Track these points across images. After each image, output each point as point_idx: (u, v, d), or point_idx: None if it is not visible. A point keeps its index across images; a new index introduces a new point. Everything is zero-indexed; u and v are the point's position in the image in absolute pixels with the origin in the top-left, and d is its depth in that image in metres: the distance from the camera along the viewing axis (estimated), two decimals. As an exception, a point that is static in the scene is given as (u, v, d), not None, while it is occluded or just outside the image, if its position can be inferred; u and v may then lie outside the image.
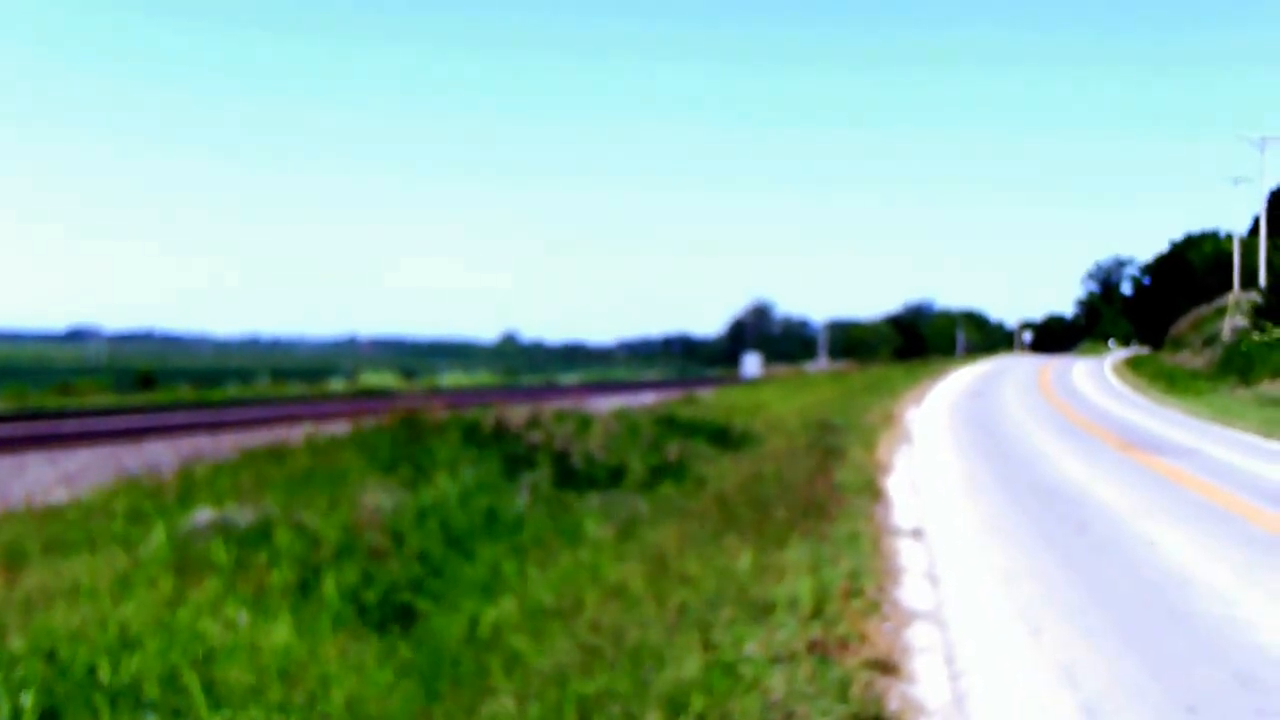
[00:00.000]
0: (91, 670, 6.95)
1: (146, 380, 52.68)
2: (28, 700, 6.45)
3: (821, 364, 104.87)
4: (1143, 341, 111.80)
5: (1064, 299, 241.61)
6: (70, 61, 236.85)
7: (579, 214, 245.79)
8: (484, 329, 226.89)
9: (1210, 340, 65.32)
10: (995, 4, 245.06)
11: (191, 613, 8.32)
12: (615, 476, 15.32)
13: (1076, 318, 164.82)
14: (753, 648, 6.81)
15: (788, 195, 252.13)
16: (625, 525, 11.85)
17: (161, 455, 20.14)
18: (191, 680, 6.87)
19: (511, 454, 15.99)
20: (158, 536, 10.81)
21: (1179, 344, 75.79)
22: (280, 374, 66.40)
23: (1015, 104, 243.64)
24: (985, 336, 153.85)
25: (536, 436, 17.23)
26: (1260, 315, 54.79)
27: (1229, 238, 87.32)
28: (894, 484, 15.38)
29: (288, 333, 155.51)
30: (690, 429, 20.98)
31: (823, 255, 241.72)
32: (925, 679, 6.77)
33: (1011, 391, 42.80)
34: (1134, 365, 70.00)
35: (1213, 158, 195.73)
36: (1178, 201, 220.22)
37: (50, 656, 7.10)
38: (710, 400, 36.25)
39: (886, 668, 6.83)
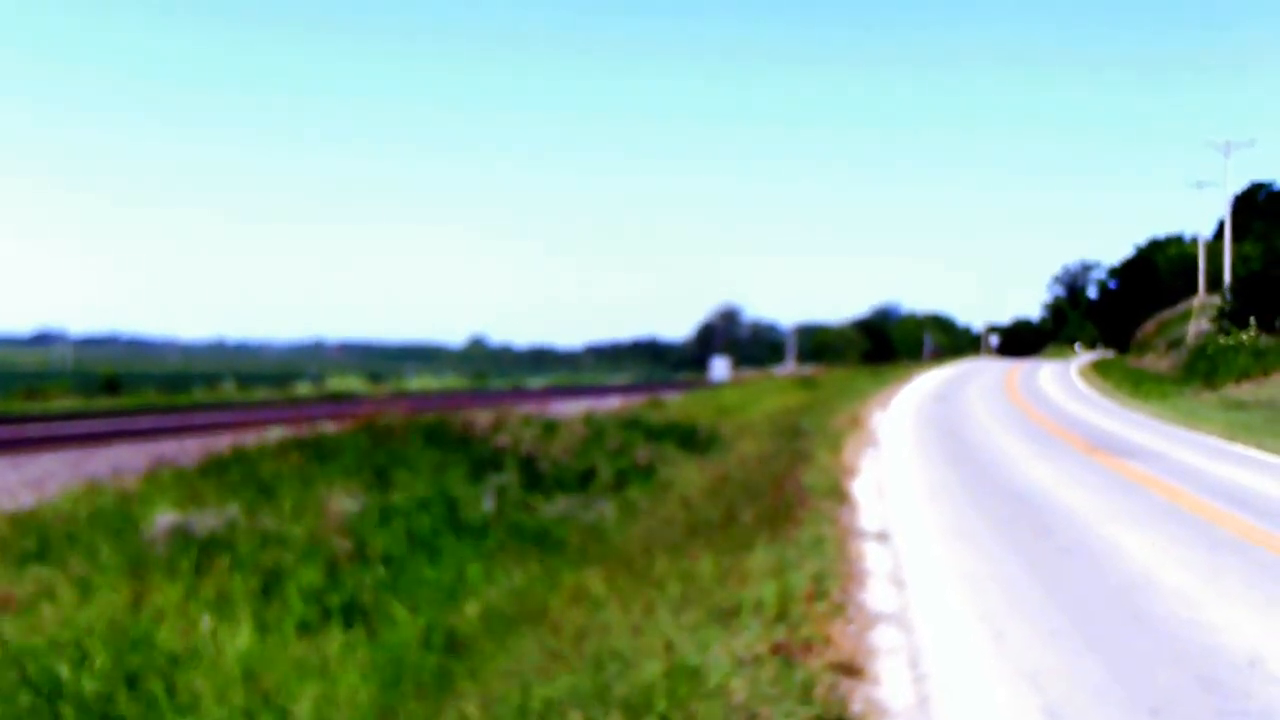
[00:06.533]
0: (55, 678, 6.89)
1: (112, 384, 52.22)
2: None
3: (789, 368, 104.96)
4: (1108, 345, 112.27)
5: (1031, 303, 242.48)
6: (36, 62, 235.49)
7: (547, 218, 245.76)
8: (452, 333, 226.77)
9: (1175, 344, 65.72)
10: (961, 8, 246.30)
11: (154, 618, 8.26)
12: (582, 480, 15.31)
13: (1043, 321, 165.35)
14: (716, 651, 6.79)
15: (756, 199, 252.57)
16: (591, 529, 11.83)
17: (127, 460, 20.01)
18: (155, 686, 6.83)
19: (478, 458, 15.96)
20: (121, 541, 10.73)
21: (1144, 347, 76.25)
22: (247, 378, 66.04)
23: (982, 109, 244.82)
24: (952, 340, 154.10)
25: (503, 440, 17.19)
26: (1224, 319, 55.11)
27: (1194, 242, 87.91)
28: (860, 487, 15.38)
29: (254, 337, 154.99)
30: (657, 433, 20.98)
31: (791, 259, 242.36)
32: (889, 681, 6.77)
33: (978, 395, 42.93)
34: (1100, 369, 70.30)
35: (1178, 162, 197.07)
36: (1144, 206, 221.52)
37: (13, 665, 7.03)
38: (678, 404, 36.25)
39: (850, 670, 6.83)
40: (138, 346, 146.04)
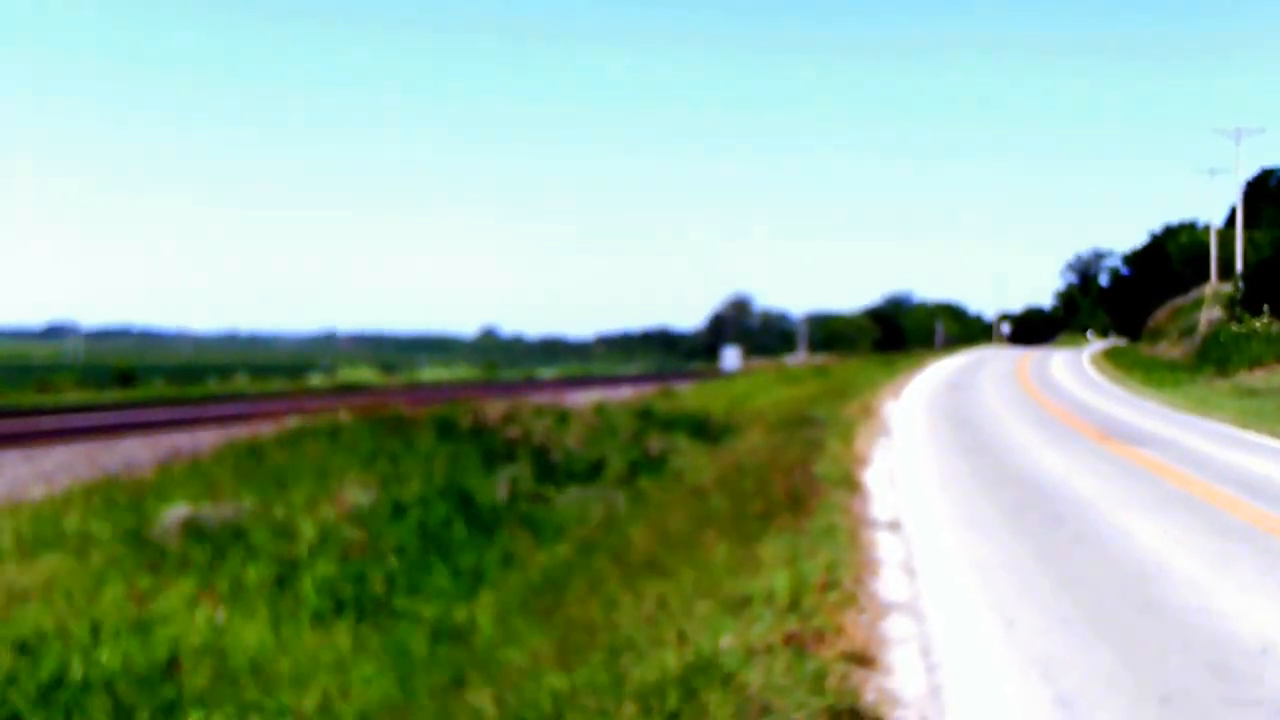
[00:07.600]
0: (60, 670, 6.92)
1: (124, 377, 52.32)
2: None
3: (801, 357, 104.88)
4: (1120, 333, 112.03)
5: (1042, 291, 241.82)
6: (44, 53, 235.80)
7: (558, 208, 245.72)
8: (463, 324, 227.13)
9: (1187, 331, 65.55)
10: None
11: (165, 610, 8.29)
12: (594, 471, 15.33)
13: (1055, 309, 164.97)
14: (729, 641, 6.80)
15: (767, 189, 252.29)
16: (603, 519, 11.85)
17: (139, 452, 20.07)
18: (165, 680, 6.85)
19: (490, 448, 15.97)
20: (133, 534, 10.76)
21: (1156, 335, 76.05)
22: (259, 370, 66.15)
23: (994, 97, 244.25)
24: (964, 328, 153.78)
25: (515, 431, 17.21)
26: (1237, 306, 54.95)
27: (1206, 229, 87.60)
28: (872, 477, 15.38)
29: (267, 328, 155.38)
30: (669, 423, 20.98)
31: (802, 249, 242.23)
32: (901, 671, 6.77)
33: (990, 383, 42.86)
34: (1112, 356, 70.14)
35: (1189, 149, 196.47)
36: (1156, 193, 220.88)
37: (19, 656, 7.06)
38: (689, 394, 36.26)
39: (863, 660, 6.83)
40: (150, 339, 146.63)
